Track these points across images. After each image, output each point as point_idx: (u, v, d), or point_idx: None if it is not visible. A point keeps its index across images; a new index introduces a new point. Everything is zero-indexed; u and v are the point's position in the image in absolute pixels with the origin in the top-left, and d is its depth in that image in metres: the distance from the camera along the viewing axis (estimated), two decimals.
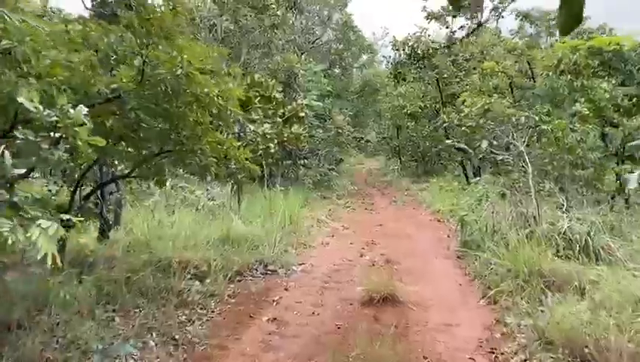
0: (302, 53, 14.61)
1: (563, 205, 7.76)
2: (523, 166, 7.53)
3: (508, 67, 13.03)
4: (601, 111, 8.59)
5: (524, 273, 5.79)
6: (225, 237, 7.73)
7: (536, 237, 6.79)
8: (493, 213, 7.76)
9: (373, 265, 7.29)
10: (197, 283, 6.27)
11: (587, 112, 8.79)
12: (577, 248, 6.65)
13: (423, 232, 9.98)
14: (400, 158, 23.94)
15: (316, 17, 20.97)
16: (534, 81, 13.36)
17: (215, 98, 4.06)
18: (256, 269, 6.87)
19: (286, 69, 12.49)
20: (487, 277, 6.34)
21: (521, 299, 5.37)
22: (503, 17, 15.99)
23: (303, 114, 9.64)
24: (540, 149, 8.12)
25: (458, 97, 16.15)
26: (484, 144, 6.72)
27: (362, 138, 34.37)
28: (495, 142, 7.10)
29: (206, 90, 3.96)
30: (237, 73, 4.85)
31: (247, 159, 5.02)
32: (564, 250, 6.69)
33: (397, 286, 6.00)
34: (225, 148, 4.86)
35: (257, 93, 6.57)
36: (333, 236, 9.67)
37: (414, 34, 15.52)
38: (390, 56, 16.19)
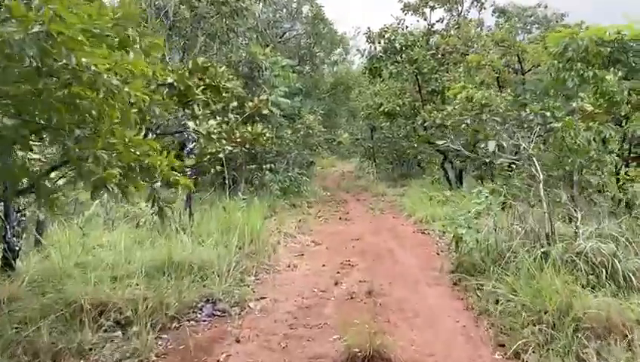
0: (267, 46, 13.02)
1: (576, 217, 6.44)
2: (529, 170, 6.19)
3: (495, 60, 11.77)
4: (615, 107, 7.34)
5: (551, 313, 4.42)
6: (165, 264, 6.16)
7: (552, 260, 5.47)
8: (495, 229, 6.40)
9: (352, 298, 5.81)
10: (118, 333, 4.70)
11: (593, 108, 7.57)
12: (604, 274, 5.35)
13: (408, 248, 8.58)
14: (375, 161, 22.62)
15: (284, 10, 19.48)
16: (524, 76, 12.17)
17: (104, 75, 2.52)
18: (201, 309, 5.30)
19: (249, 61, 10.97)
20: (497, 315, 4.95)
21: (556, 355, 3.99)
22: (485, 9, 14.81)
23: (266, 111, 8.11)
24: (548, 151, 6.80)
25: (439, 95, 14.94)
26: (491, 146, 5.33)
27: (335, 139, 33.01)
28: (502, 144, 5.73)
29: (85, 60, 2.41)
30: (155, 46, 3.31)
31: (175, 169, 3.47)
32: (587, 275, 5.38)
33: (385, 333, 4.56)
34: (139, 153, 3.31)
35: (202, 83, 5.01)
36: (302, 255, 8.16)
37: (391, 25, 14.18)
38: (365, 50, 14.85)
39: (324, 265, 7.46)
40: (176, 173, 3.57)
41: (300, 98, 16.82)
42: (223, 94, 5.51)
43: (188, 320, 5.05)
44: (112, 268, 6.11)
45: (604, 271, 5.37)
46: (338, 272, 7.04)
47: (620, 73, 7.99)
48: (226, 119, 5.67)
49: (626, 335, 4.18)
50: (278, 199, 13.13)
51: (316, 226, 10.94)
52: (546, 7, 23.43)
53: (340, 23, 43.27)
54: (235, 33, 11.30)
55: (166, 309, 4.93)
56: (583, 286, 5.15)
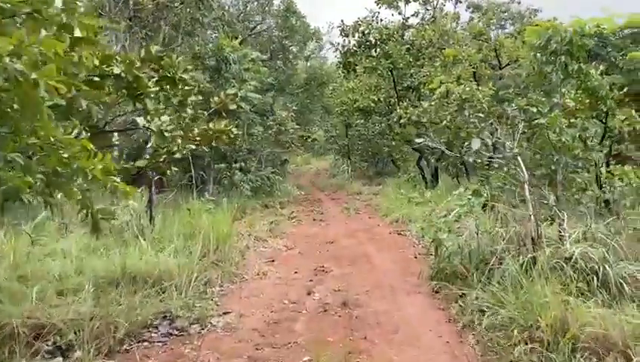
0: (236, 38, 12.40)
1: (561, 219, 6.08)
2: (514, 169, 5.80)
3: (472, 55, 11.42)
4: (599, 102, 7.03)
5: (544, 330, 4.02)
6: (119, 276, 5.56)
7: (539, 267, 5.09)
8: (478, 232, 5.99)
9: (326, 310, 5.32)
10: (58, 360, 4.11)
11: (575, 103, 7.26)
12: (595, 282, 4.99)
13: (385, 252, 8.14)
14: (350, 158, 22.19)
15: (255, 2, 18.82)
16: (501, 71, 11.87)
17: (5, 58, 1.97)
18: (157, 328, 4.73)
19: (215, 53, 10.34)
20: (483, 329, 4.53)
21: None
22: (460, 2, 14.49)
23: (234, 106, 7.50)
24: (531, 149, 6.43)
25: (414, 91, 14.57)
26: (476, 144, 4.90)
27: (309, 136, 32.52)
28: (487, 142, 5.31)
29: None
30: (86, 27, 2.75)
31: (110, 173, 2.92)
32: (576, 283, 5.01)
33: (361, 353, 4.10)
34: (68, 154, 2.75)
35: (156, 73, 4.42)
36: (273, 261, 7.63)
37: (365, 18, 13.72)
38: (339, 43, 14.35)
39: (296, 272, 6.95)
40: (114, 178, 3.00)
41: (273, 94, 16.24)
42: (180, 87, 4.92)
43: (140, 342, 4.47)
44: (59, 280, 5.50)
45: (594, 278, 5.01)
46: (311, 280, 6.55)
47: (601, 67, 7.71)
48: (184, 115, 5.09)
49: (627, 354, 3.81)
50: (249, 200, 12.56)
51: (289, 228, 10.42)
52: (519, 2, 23.33)
53: (314, 18, 42.77)
54: (201, 24, 10.66)
55: (114, 330, 4.35)
56: (572, 295, 4.79)
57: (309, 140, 31.70)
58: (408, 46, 14.25)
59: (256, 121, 16.31)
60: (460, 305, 5.26)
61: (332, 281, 6.47)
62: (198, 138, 4.96)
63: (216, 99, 8.06)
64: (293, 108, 15.09)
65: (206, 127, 5.27)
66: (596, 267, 5.09)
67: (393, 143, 15.05)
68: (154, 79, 4.70)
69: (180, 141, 4.59)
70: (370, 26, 13.67)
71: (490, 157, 5.66)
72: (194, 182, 11.55)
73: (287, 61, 18.91)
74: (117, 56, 4.31)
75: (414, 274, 6.65)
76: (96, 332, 4.25)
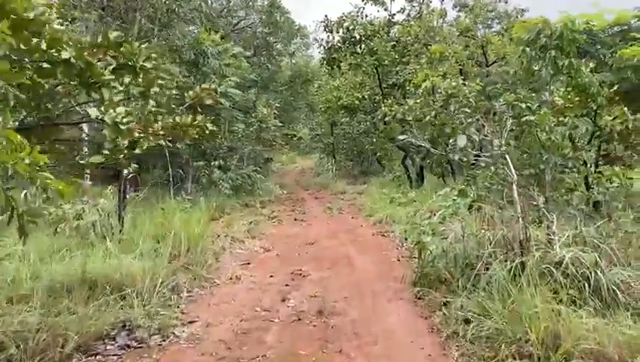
0: (217, 32, 11.95)
1: (549, 220, 5.77)
2: (502, 169, 5.49)
3: (458, 52, 11.12)
4: (589, 100, 6.75)
5: (534, 344, 3.69)
6: (79, 280, 5.13)
7: (528, 272, 4.78)
8: (463, 235, 5.66)
9: (300, 319, 4.94)
10: None
11: (564, 101, 6.99)
12: (587, 289, 4.69)
13: (367, 254, 7.79)
14: (334, 157, 21.85)
15: None
16: (488, 68, 11.60)
17: None
18: (114, 340, 4.32)
19: (193, 46, 9.90)
20: (468, 341, 4.19)
21: None
22: None
23: (210, 101, 7.10)
24: (519, 148, 6.12)
25: (399, 88, 14.25)
26: (462, 141, 4.55)
27: (294, 135, 32.17)
28: (474, 139, 4.97)
29: None
30: None
31: (40, 168, 2.52)
32: (567, 290, 4.71)
33: None
34: None
35: (115, 61, 4.01)
36: (249, 264, 7.24)
37: (350, 14, 13.35)
38: (323, 39, 13.97)
39: (272, 276, 6.56)
40: (45, 173, 2.60)
41: (256, 90, 15.81)
42: (142, 76, 4.51)
43: (93, 355, 4.06)
44: (11, 286, 5.06)
45: (586, 284, 4.71)
46: (287, 285, 6.17)
47: (590, 65, 7.45)
48: (150, 107, 4.69)
49: None
50: (228, 198, 12.13)
51: (269, 229, 10.02)
52: (506, 2, 23.17)
53: (300, 16, 42.33)
54: (177, 15, 10.20)
55: (63, 343, 3.93)
56: (563, 304, 4.49)
57: (295, 139, 31.40)
58: (394, 43, 13.91)
59: (240, 118, 15.91)
60: (444, 314, 4.93)
61: (309, 286, 6.09)
62: (161, 132, 4.54)
63: (191, 93, 7.64)
64: (276, 105, 14.69)
65: (172, 120, 4.86)
66: (588, 273, 4.80)
67: (374, 141, 14.68)
68: (111, 67, 4.32)
69: (137, 135, 4.18)
70: (354, 22, 13.33)
71: (477, 156, 5.32)
72: (171, 180, 11.10)
73: (272, 57, 18.49)
74: (68, 41, 3.89)
75: (397, 278, 6.31)
76: (42, 346, 3.84)
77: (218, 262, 7.21)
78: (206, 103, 7.56)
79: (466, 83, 6.32)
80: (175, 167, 12.27)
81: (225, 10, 17.85)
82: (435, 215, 8.62)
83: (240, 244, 8.35)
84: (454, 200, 5.35)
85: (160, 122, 4.62)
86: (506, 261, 5.17)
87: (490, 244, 5.55)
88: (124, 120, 3.94)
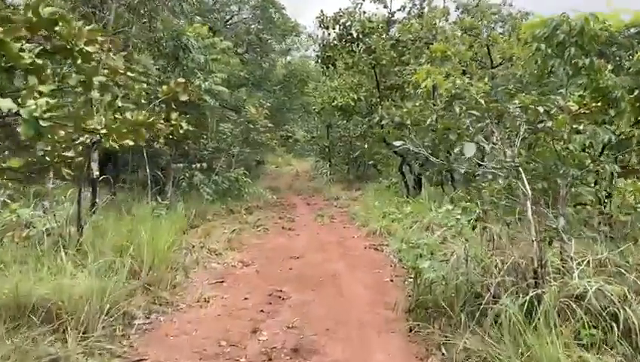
0: (204, 26, 11.12)
1: (564, 242, 4.98)
2: (515, 183, 4.68)
3: (462, 52, 10.33)
4: (611, 105, 5.96)
5: None
6: (7, 305, 4.31)
7: (544, 309, 3.99)
8: (467, 259, 4.85)
9: (271, 359, 4.12)
10: None
11: (579, 106, 6.20)
12: (615, 329, 3.89)
13: (358, 271, 6.98)
14: (330, 161, 21.05)
15: None
16: (493, 70, 10.82)
17: None
18: None
19: (173, 38, 9.09)
20: None
21: None
22: None
23: (185, 97, 6.30)
24: (531, 159, 5.33)
25: (398, 90, 13.46)
26: (470, 150, 3.74)
27: (290, 136, 31.37)
28: (483, 147, 4.17)
29: None
30: None
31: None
32: (589, 329, 3.93)
33: None
34: None
35: (47, 42, 3.22)
36: (222, 282, 6.41)
37: (347, 9, 12.56)
38: (318, 36, 13.16)
39: (246, 298, 5.74)
40: None
41: (247, 89, 14.99)
42: (81, 62, 3.72)
43: None
44: None
45: (614, 324, 3.92)
46: (262, 310, 5.34)
47: (609, 66, 6.66)
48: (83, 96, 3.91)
49: None
50: (212, 203, 11.31)
51: (251, 239, 9.19)
52: (511, 5, 22.47)
53: (300, 14, 41.46)
54: (163, 4, 9.34)
55: None
56: (587, 349, 3.71)
57: (290, 140, 30.58)
58: (393, 42, 13.11)
59: (232, 117, 15.09)
60: (443, 355, 4.14)
61: (287, 313, 5.27)
62: (103, 130, 3.72)
63: (164, 88, 6.81)
64: (267, 104, 13.87)
65: (118, 117, 4.04)
66: (615, 309, 4.00)
67: (366, 145, 13.85)
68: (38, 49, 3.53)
69: (63, 133, 3.37)
70: (352, 18, 12.54)
71: (488, 169, 4.52)
72: (149, 183, 10.28)
73: (265, 55, 17.67)
74: None
75: (389, 304, 5.50)
76: None
77: (188, 278, 6.39)
78: (181, 99, 6.75)
79: (473, 83, 5.53)
80: (156, 169, 11.46)
81: (217, 3, 17.04)
82: (432, 230, 7.87)
83: (216, 258, 7.52)
84: (457, 219, 4.54)
85: (104, 118, 3.80)
86: (517, 293, 4.39)
87: (498, 271, 4.76)
88: (47, 115, 3.12)
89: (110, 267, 5.70)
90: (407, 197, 12.02)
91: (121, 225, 7.09)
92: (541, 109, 4.44)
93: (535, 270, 4.50)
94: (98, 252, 6.07)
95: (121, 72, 6.69)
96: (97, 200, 8.63)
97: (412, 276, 5.64)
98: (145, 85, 7.34)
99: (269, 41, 18.17)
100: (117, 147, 4.46)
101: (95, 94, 3.82)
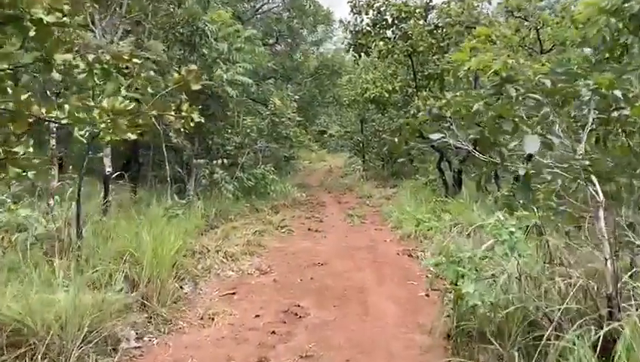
0: (228, 11, 10.42)
1: None
2: (584, 185, 3.73)
3: (509, 36, 9.27)
4: None
5: None
6: None
7: (622, 347, 3.07)
8: (520, 278, 3.93)
9: None
10: None
11: None
12: None
13: (388, 283, 6.14)
14: (364, 156, 20.13)
15: None
16: (542, 54, 9.72)
17: None
18: None
19: (187, 22, 8.43)
20: None
21: None
22: None
23: (197, 87, 5.53)
24: (600, 156, 4.32)
25: (436, 80, 12.45)
26: (533, 145, 2.81)
27: (325, 131, 30.58)
28: (549, 141, 3.24)
29: None
30: None
31: None
32: None
33: None
34: None
35: None
36: (234, 294, 5.69)
37: None
38: (349, 22, 12.28)
39: (257, 316, 5.00)
40: None
41: (275, 81, 14.27)
42: (39, 35, 3.02)
43: None
44: None
45: None
46: (274, 331, 4.58)
47: None
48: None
49: None
50: (236, 202, 10.66)
51: (273, 242, 8.46)
52: None
53: (335, 6, 40.45)
54: None
55: None
56: None
57: (325, 135, 29.78)
58: (431, 28, 12.09)
59: (260, 111, 14.42)
60: None
61: (303, 335, 4.49)
62: (64, 120, 3.01)
63: (175, 76, 6.09)
64: (295, 97, 13.10)
65: (90, 104, 3.32)
66: None
67: (395, 139, 12.85)
68: None
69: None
70: (387, 2, 11.61)
71: (558, 171, 3.57)
72: (169, 180, 9.70)
73: (296, 45, 16.89)
74: None
75: (424, 327, 4.66)
76: None
77: (196, 289, 5.71)
78: (193, 89, 6.03)
79: (529, 63, 4.59)
80: (179, 165, 10.90)
81: None
82: (476, 236, 6.94)
83: (232, 263, 6.82)
84: (511, 233, 3.63)
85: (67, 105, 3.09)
86: (587, 325, 3.47)
87: (561, 296, 3.84)
88: None
89: (109, 276, 5.10)
90: (446, 196, 11.02)
91: (131, 227, 6.47)
92: (618, 93, 3.47)
93: (609, 296, 3.56)
94: (98, 258, 5.48)
95: (126, 58, 6.03)
96: (110, 198, 8.10)
97: (451, 290, 4.77)
98: (152, 73, 6.71)
99: (301, 30, 17.37)
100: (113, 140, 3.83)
101: (56, 75, 3.10)
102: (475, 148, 4.06)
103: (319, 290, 5.87)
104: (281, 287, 6.00)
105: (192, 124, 6.34)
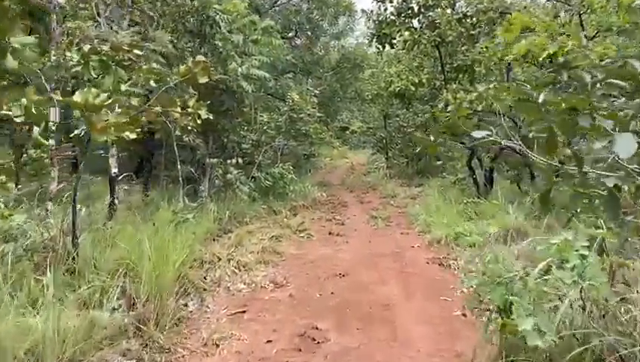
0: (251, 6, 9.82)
1: None
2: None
3: (549, 23, 8.41)
4: None
5: None
6: None
7: None
8: (584, 308, 3.21)
9: None
10: None
11: None
12: None
13: (418, 299, 5.45)
14: (387, 153, 19.35)
15: None
16: (587, 43, 8.82)
17: None
18: None
19: (197, 11, 7.84)
20: None
21: None
22: None
23: (205, 79, 4.98)
24: None
25: (466, 72, 11.64)
26: (628, 146, 2.10)
27: (347, 128, 29.82)
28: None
29: None
30: None
31: None
32: None
33: None
34: None
35: None
36: (244, 312, 5.07)
37: None
38: (372, 11, 11.54)
39: (269, 341, 4.36)
40: None
41: (294, 75, 13.62)
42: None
43: None
44: None
45: None
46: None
47: None
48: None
49: None
50: (253, 203, 10.07)
51: (291, 248, 7.82)
52: None
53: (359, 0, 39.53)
54: None
55: None
56: None
57: (347, 132, 29.03)
58: (459, 16, 11.27)
59: (279, 106, 13.82)
60: None
61: None
62: (19, 118, 2.41)
63: (181, 68, 5.49)
64: (315, 92, 12.44)
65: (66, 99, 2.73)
66: None
67: (422, 136, 12.05)
68: None
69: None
70: None
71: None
72: (181, 180, 9.16)
73: (315, 38, 16.20)
74: None
75: (463, 357, 3.96)
76: None
77: (202, 306, 5.11)
78: (200, 82, 5.41)
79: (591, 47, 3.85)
80: (193, 164, 10.36)
81: None
82: (511, 238, 6.21)
83: (244, 274, 6.20)
84: (583, 256, 2.91)
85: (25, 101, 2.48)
86: None
87: (635, 327, 3.11)
88: None
89: (105, 293, 4.54)
90: (478, 196, 10.24)
91: (135, 234, 5.92)
92: None
93: None
94: (95, 271, 4.94)
95: (126, 49, 5.44)
96: (116, 201, 7.59)
97: (494, 311, 4.06)
98: (156, 65, 6.15)
99: (321, 22, 16.67)
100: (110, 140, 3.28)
101: (9, 64, 2.50)
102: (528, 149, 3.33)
103: (340, 308, 5.21)
104: (297, 304, 5.35)
105: (199, 121, 5.69)
